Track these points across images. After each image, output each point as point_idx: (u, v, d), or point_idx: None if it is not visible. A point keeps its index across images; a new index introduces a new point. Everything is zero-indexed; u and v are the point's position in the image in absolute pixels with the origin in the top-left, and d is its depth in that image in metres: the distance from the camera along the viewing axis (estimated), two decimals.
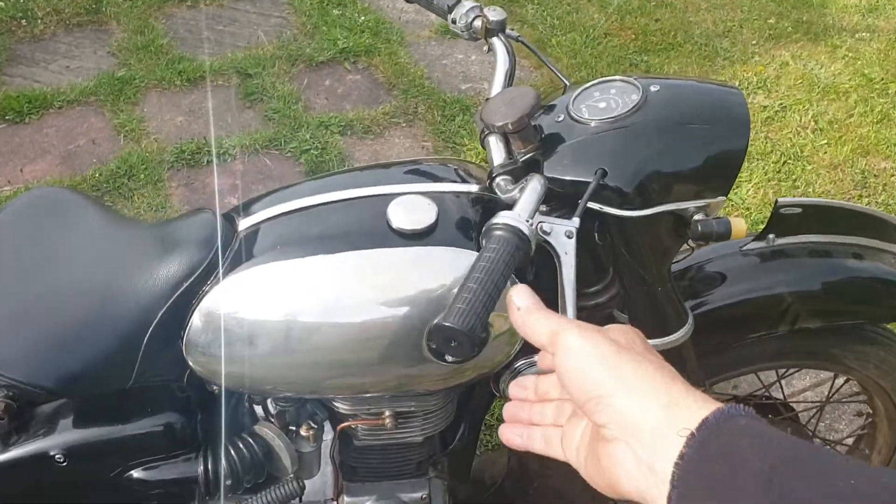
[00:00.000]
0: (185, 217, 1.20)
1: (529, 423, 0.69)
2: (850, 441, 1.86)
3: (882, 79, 3.40)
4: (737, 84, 3.18)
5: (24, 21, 3.50)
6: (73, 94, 3.14)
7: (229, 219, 1.16)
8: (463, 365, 1.09)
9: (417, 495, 1.37)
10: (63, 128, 3.04)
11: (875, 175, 2.96)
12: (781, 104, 3.25)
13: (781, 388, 1.70)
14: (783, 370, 1.63)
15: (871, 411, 1.68)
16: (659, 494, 0.53)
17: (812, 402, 2.02)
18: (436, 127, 3.10)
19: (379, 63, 3.39)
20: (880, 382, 1.52)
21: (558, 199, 1.05)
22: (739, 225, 1.04)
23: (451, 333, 0.78)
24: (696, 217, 1.04)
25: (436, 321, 0.79)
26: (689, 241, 1.11)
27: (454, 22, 1.27)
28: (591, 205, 1.01)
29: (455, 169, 1.20)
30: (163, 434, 1.17)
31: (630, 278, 1.13)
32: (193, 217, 1.17)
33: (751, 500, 0.46)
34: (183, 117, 3.10)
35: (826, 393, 1.74)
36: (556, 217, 0.94)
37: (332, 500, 1.38)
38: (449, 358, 1.04)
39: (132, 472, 1.18)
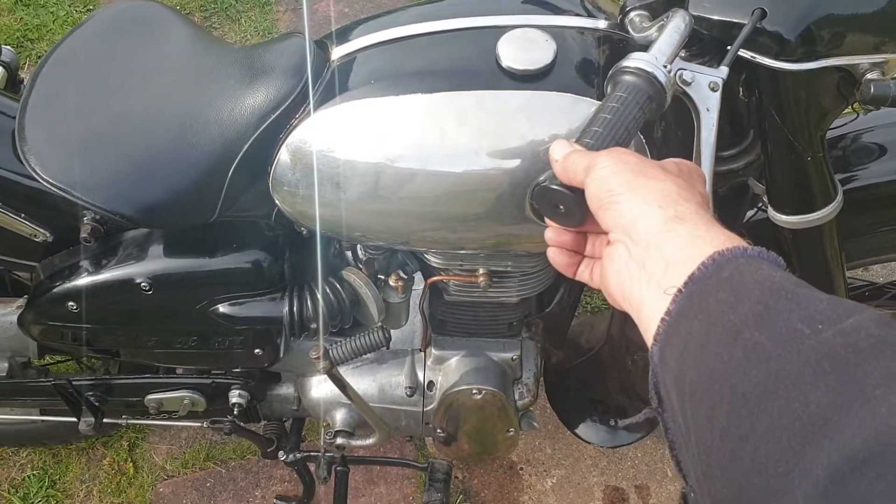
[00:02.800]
0: (274, 41, 1.09)
1: (575, 249, 0.71)
2: None
3: None
4: None
5: None
6: None
7: (322, 46, 1.04)
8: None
9: (508, 356, 1.31)
10: None
11: None
12: None
13: None
14: None
15: None
16: (646, 293, 0.54)
17: None
18: None
19: None
20: None
21: (703, 44, 0.90)
22: None
23: (558, 197, 0.67)
24: (868, 76, 0.86)
25: (541, 179, 0.68)
26: (854, 105, 0.93)
27: None
28: (743, 53, 0.85)
29: (581, 0, 1.03)
30: (249, 270, 1.14)
31: (775, 143, 0.96)
32: (283, 42, 1.06)
33: (718, 354, 0.46)
34: None
35: None
36: (698, 64, 0.79)
37: (420, 350, 1.34)
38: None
39: (218, 306, 1.15)
